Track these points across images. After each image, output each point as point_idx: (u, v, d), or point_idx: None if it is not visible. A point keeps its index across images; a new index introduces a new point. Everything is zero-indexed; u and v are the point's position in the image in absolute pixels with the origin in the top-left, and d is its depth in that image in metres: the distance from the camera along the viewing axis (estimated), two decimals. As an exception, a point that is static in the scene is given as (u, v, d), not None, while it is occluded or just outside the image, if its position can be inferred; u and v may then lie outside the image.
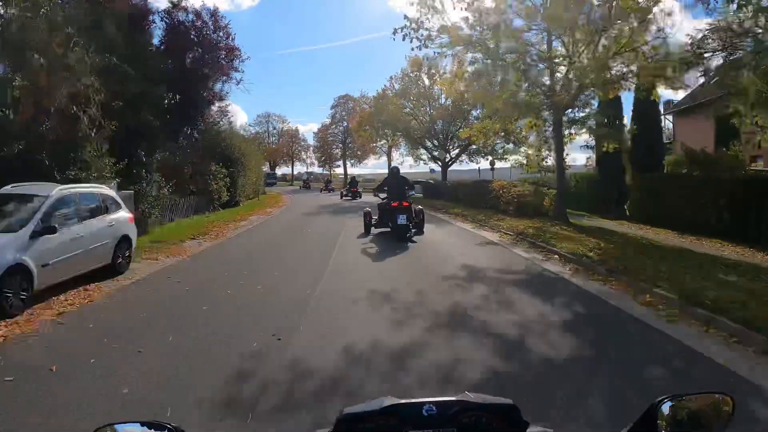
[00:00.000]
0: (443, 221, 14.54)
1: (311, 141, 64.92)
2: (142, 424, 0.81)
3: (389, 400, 0.80)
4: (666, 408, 0.83)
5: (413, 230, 10.03)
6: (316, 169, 66.85)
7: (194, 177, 16.06)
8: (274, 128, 70.69)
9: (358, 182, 29.62)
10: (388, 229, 10.04)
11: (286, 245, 10.05)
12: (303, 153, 70.09)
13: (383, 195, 10.60)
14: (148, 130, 12.19)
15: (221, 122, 21.82)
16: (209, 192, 17.13)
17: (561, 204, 12.76)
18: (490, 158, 29.23)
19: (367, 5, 78.80)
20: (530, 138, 14.36)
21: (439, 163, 31.14)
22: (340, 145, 58.98)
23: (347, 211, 18.27)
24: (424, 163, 34.53)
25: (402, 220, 9.53)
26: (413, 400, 0.81)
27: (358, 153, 55.26)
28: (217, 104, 19.04)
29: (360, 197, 26.29)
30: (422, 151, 32.81)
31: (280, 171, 73.91)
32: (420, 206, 11.47)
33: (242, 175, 21.41)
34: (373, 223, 10.69)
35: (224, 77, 17.46)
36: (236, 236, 11.53)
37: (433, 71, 28.71)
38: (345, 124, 55.92)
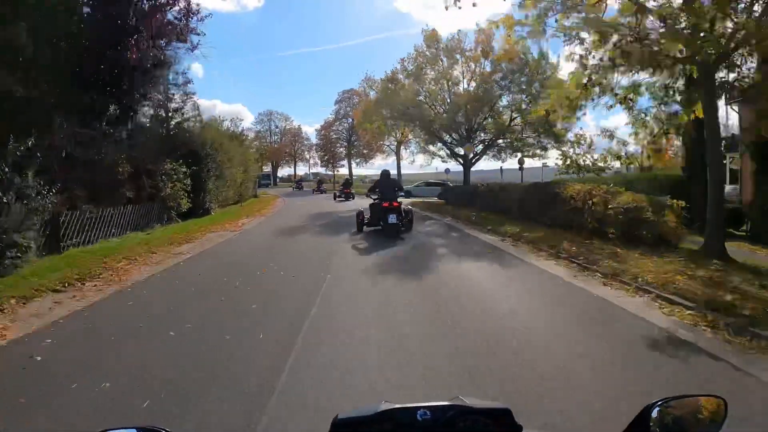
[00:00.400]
0: (498, 251, 8.58)
1: (315, 140, 60.63)
2: (138, 429, 0.82)
3: (384, 405, 0.79)
4: (658, 411, 0.82)
5: (403, 228, 10.59)
6: (320, 170, 63.07)
7: (138, 179, 11.31)
8: (276, 127, 67.67)
9: (351, 183, 29.97)
10: (380, 227, 10.44)
11: (208, 322, 4.39)
12: (306, 153, 66.28)
13: (375, 196, 11.10)
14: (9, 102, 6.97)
15: (185, 108, 16.60)
16: (162, 198, 12.50)
17: (718, 227, 7.23)
18: (518, 156, 23.92)
19: (372, 6, 75.62)
20: (632, 110, 8.69)
21: (460, 161, 25.69)
22: (345, 144, 54.28)
23: (341, 225, 13.13)
24: (442, 161, 29.26)
25: (392, 219, 10.13)
26: (407, 405, 0.79)
27: (364, 152, 50.66)
28: (165, 82, 13.77)
29: (353, 198, 25.88)
30: (438, 146, 27.38)
31: (283, 172, 71.09)
32: (410, 206, 12.25)
33: (216, 176, 16.76)
34: (365, 222, 11.15)
35: (173, 39, 12.20)
36: (143, 282, 6.19)
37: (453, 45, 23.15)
38: (350, 120, 51.07)
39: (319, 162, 61.56)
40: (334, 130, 55.21)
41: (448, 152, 26.72)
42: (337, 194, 27.70)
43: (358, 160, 54.10)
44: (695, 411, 0.87)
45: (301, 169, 70.39)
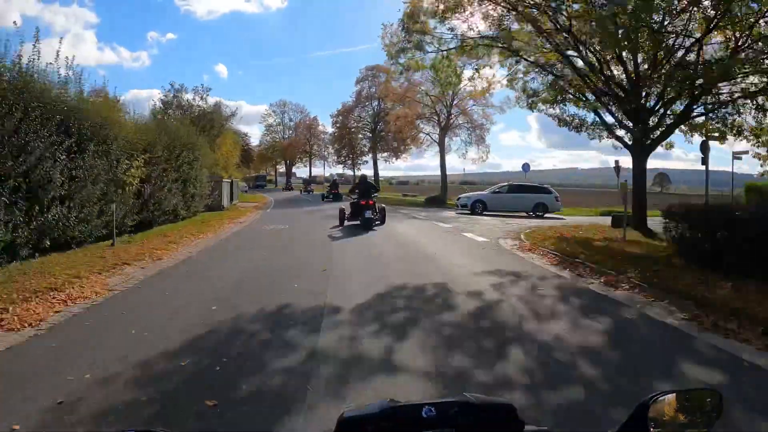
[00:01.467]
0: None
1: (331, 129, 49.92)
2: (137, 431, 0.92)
3: (389, 403, 0.80)
4: (656, 405, 0.83)
5: (377, 222, 12.91)
6: (336, 170, 55.63)
7: None
8: (291, 120, 61.23)
9: (338, 184, 31.42)
10: (358, 222, 12.55)
11: None
12: (324, 149, 56.44)
13: (354, 196, 13.49)
14: None
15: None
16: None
17: None
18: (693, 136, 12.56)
19: (393, 8, 72.34)
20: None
21: (624, 142, 12.48)
22: (369, 134, 43.15)
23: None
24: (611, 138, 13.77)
25: (368, 214, 12.42)
26: (412, 402, 0.80)
27: (393, 145, 39.59)
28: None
29: (341, 199, 26.51)
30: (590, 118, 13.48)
31: (304, 172, 64.67)
32: (383, 205, 14.32)
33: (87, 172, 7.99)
34: (346, 216, 13.02)
35: None
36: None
37: None
38: (376, 104, 41.36)
39: (335, 158, 49.90)
40: (355, 117, 43.84)
41: (613, 123, 12.62)
42: (325, 195, 29.38)
43: (385, 155, 41.70)
44: (691, 404, 0.89)
45: (318, 169, 62.87)
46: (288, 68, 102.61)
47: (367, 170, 46.96)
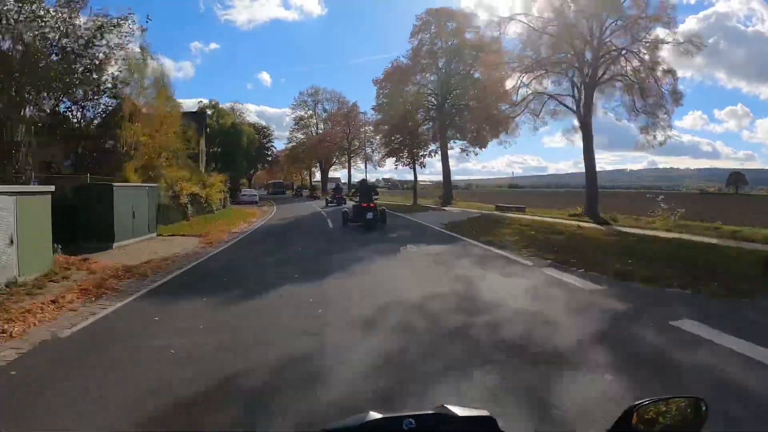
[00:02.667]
0: None
1: (374, 110, 33.82)
2: None
3: (370, 416, 0.81)
4: (641, 412, 0.84)
5: (379, 222, 13.92)
6: (382, 173, 45.05)
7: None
8: (326, 111, 50.07)
9: (342, 189, 32.49)
10: (360, 223, 13.79)
11: None
12: (366, 145, 41.66)
13: (357, 199, 15.45)
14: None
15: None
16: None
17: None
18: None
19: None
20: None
21: None
22: (434, 108, 28.11)
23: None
24: None
25: (370, 215, 13.53)
26: (393, 415, 0.81)
27: (475, 132, 25.29)
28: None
29: (345, 203, 26.89)
30: None
31: (338, 175, 55.47)
32: (383, 207, 15.75)
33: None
34: (349, 218, 14.36)
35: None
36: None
37: None
38: (443, 64, 27.14)
39: (381, 151, 34.50)
40: (415, 83, 28.01)
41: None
42: (329, 200, 29.89)
43: (464, 143, 28.07)
44: (676, 411, 0.88)
45: (359, 173, 53.05)
46: (329, 74, 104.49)
47: (425, 175, 42.46)
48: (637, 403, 0.85)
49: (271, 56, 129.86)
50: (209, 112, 40.67)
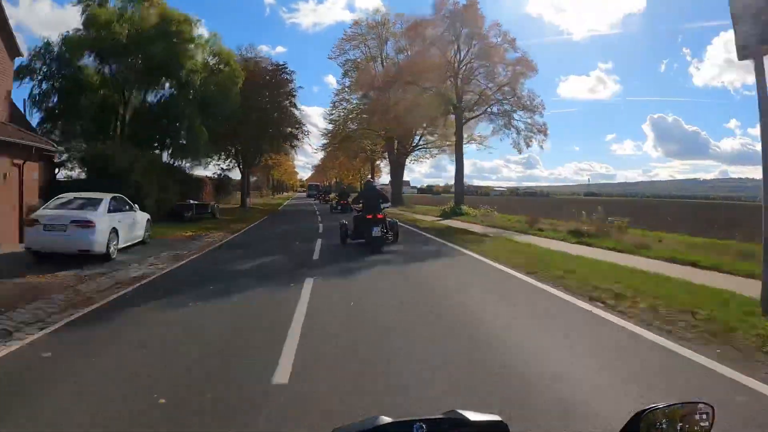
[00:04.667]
0: None
1: None
2: None
3: (381, 420, 0.79)
4: (648, 418, 0.84)
5: (390, 240, 10.46)
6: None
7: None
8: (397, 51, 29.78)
9: (348, 194, 28.24)
10: (364, 241, 10.13)
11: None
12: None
13: (359, 207, 10.71)
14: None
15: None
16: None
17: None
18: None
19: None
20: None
21: None
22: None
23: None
24: None
25: (376, 231, 9.86)
26: (403, 419, 0.80)
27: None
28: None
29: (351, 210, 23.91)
30: None
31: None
32: (395, 219, 11.88)
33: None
34: (349, 234, 10.74)
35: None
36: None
37: None
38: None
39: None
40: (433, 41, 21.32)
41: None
42: (333, 205, 26.32)
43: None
44: (683, 417, 0.89)
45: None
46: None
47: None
48: (644, 408, 0.85)
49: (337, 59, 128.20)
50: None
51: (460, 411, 0.83)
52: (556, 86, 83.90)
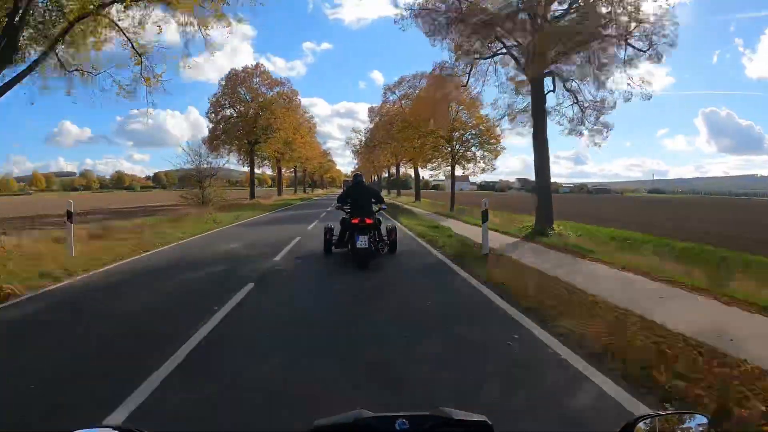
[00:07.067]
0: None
1: None
2: (114, 428, 0.85)
3: (362, 414, 0.79)
4: (641, 426, 0.83)
5: (384, 251, 8.27)
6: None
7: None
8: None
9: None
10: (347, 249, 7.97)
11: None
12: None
13: (347, 208, 8.27)
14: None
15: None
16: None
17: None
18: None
19: None
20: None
21: None
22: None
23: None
24: None
25: (362, 242, 7.38)
26: (386, 414, 0.79)
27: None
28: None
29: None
30: None
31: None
32: (394, 224, 10.29)
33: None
34: (333, 242, 8.68)
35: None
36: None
37: None
38: None
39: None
40: None
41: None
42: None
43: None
44: (677, 425, 0.87)
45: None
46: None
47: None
48: (638, 416, 0.85)
49: (382, 55, 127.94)
50: None
51: (445, 409, 0.82)
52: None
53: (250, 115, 36.29)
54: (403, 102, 33.11)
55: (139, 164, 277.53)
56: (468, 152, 25.15)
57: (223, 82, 36.86)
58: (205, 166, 24.25)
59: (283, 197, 43.20)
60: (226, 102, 36.77)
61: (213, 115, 36.88)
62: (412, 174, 42.02)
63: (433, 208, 26.65)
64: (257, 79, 37.16)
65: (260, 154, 39.55)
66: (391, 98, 34.90)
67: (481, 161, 25.23)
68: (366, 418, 0.79)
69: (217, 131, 36.20)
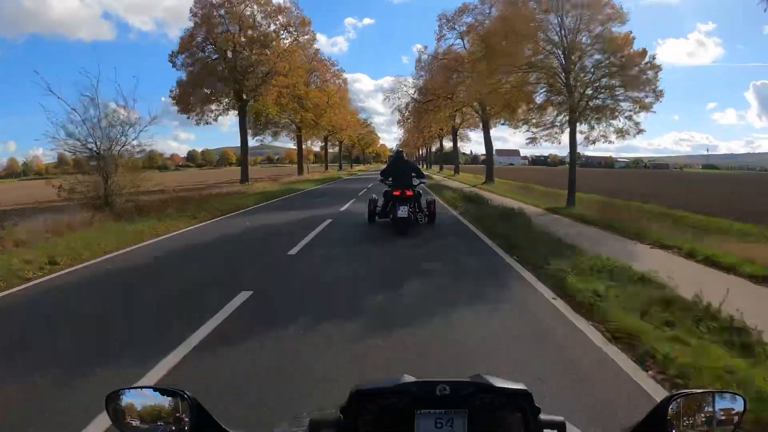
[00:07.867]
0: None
1: None
2: (155, 389, 0.84)
3: (404, 378, 0.81)
4: (675, 404, 0.83)
5: (422, 221, 9.30)
6: None
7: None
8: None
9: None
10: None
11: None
12: None
13: (389, 181, 9.17)
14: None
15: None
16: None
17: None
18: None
19: None
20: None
21: None
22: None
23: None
24: None
25: (402, 212, 8.57)
26: (427, 380, 0.80)
27: None
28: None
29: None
30: None
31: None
32: (433, 196, 11.67)
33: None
34: (377, 212, 9.67)
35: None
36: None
37: None
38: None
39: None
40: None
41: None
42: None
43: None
44: (712, 405, 0.87)
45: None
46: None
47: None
48: (672, 394, 0.84)
49: (427, 29, 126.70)
50: None
51: (485, 376, 0.83)
52: (653, 51, 73.36)
53: (230, 57, 25.56)
54: (465, 39, 26.03)
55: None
56: (596, 99, 13.35)
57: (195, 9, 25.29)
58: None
59: (319, 174, 37.99)
60: (203, 40, 25.64)
61: (187, 59, 25.89)
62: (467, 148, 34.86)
63: (473, 181, 26.14)
64: (255, 6, 25.88)
65: (266, 115, 29.08)
66: (449, 36, 27.52)
67: (620, 117, 13.30)
68: (408, 382, 0.80)
69: (191, 80, 25.74)
